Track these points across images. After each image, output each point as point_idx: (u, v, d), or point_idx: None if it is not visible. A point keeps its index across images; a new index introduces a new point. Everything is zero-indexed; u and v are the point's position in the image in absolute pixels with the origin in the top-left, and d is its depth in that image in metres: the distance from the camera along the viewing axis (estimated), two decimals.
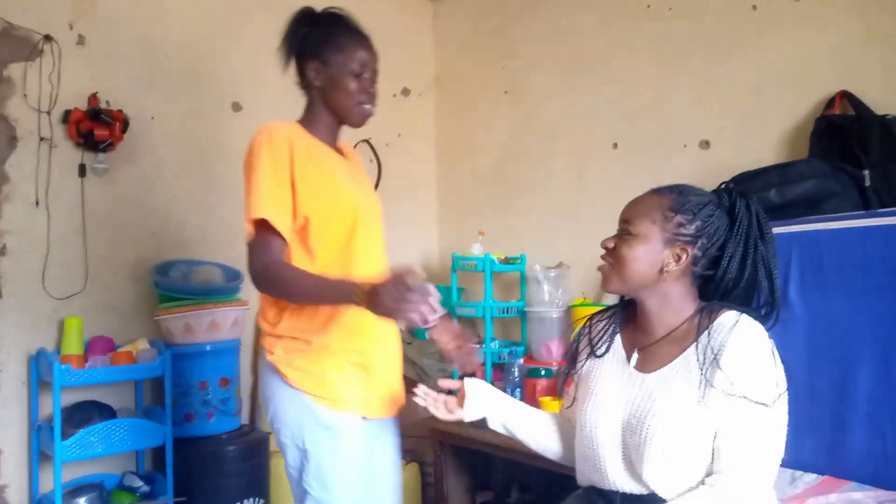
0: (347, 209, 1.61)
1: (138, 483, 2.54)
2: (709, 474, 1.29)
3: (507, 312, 3.03)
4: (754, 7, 2.48)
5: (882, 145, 2.07)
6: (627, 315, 1.50)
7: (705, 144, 2.64)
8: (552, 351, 2.84)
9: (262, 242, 1.55)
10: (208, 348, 2.65)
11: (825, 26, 2.30)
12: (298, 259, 1.58)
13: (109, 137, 2.61)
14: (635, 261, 1.36)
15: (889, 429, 1.87)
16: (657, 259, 1.35)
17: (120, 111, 2.67)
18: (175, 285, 2.67)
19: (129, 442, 2.41)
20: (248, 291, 2.91)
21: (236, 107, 3.11)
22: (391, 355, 1.72)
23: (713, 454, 1.28)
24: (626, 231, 1.38)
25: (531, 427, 1.59)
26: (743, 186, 2.17)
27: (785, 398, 1.27)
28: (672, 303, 1.38)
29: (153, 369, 2.49)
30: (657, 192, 1.41)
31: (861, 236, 1.93)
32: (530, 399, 2.53)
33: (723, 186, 1.43)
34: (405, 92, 3.69)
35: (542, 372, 2.63)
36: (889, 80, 2.15)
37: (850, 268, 1.93)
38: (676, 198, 1.37)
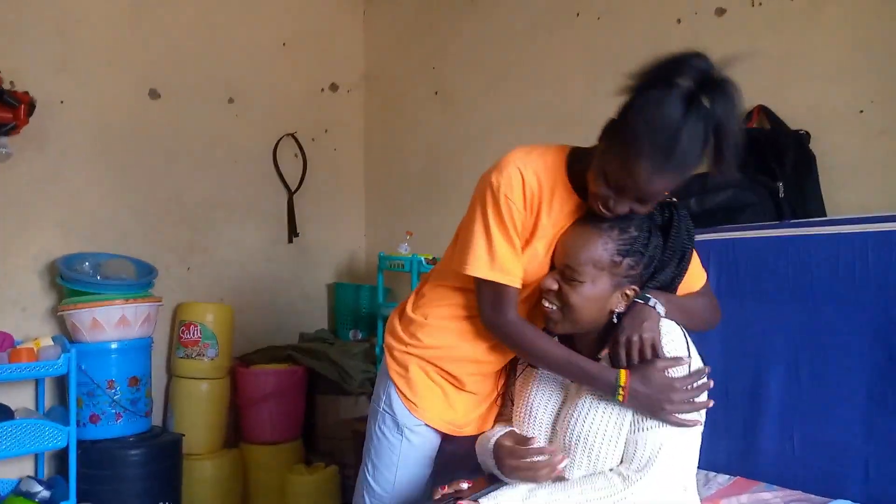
0: (533, 271, 1.47)
1: (37, 488, 2.38)
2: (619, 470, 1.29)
3: None
4: (679, 21, 2.55)
5: (795, 158, 2.15)
6: None
7: None
8: None
9: (497, 293, 1.42)
10: (117, 346, 2.52)
11: (745, 42, 2.38)
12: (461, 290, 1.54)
13: (13, 120, 2.45)
14: (586, 307, 1.32)
15: (797, 432, 1.94)
16: (606, 303, 1.32)
17: (26, 93, 2.51)
18: (82, 279, 2.53)
19: (28, 444, 2.26)
20: (161, 288, 2.79)
21: (154, 94, 2.97)
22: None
23: (626, 448, 1.29)
24: (569, 275, 1.32)
25: None
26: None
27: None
28: (604, 323, 1.37)
29: (56, 367, 2.35)
30: (595, 226, 1.32)
31: (774, 246, 2.00)
32: None
33: (654, 217, 1.36)
34: (333, 87, 3.62)
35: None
36: (803, 96, 2.25)
37: (764, 276, 2.00)
38: (619, 236, 1.30)
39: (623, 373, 1.27)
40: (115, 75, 2.85)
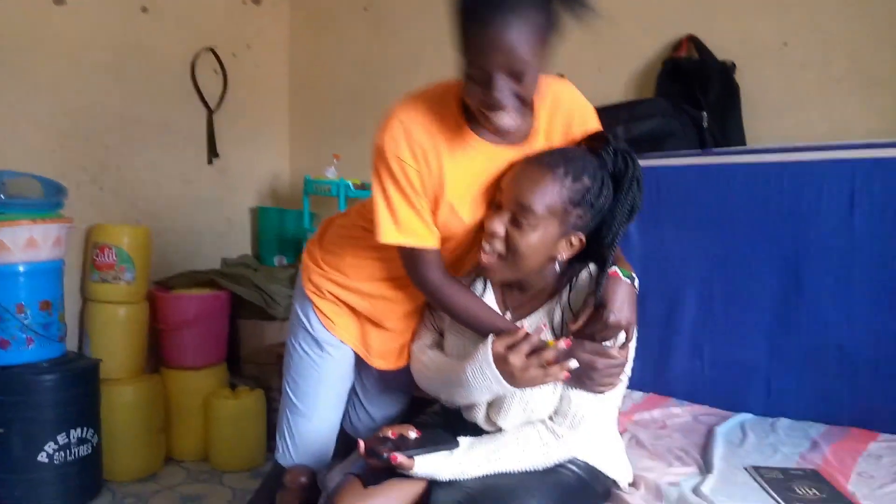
0: (449, 232, 1.42)
1: None
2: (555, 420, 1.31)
3: None
4: None
5: (721, 89, 2.20)
6: None
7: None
8: None
9: (413, 254, 1.38)
10: (25, 269, 2.39)
11: None
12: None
13: None
14: (531, 254, 1.27)
15: (707, 352, 2.05)
16: (551, 249, 1.29)
17: None
18: None
19: None
20: (72, 209, 2.65)
21: (58, 0, 2.74)
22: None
23: (560, 402, 1.30)
24: (521, 217, 1.25)
25: None
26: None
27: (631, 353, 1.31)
28: (543, 271, 1.34)
29: None
30: (551, 169, 1.25)
31: (695, 174, 2.06)
32: None
33: (611, 149, 1.29)
34: (256, 0, 3.44)
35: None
36: (732, 27, 2.27)
37: (685, 203, 2.06)
38: (572, 185, 1.24)
39: (551, 342, 1.25)
40: None
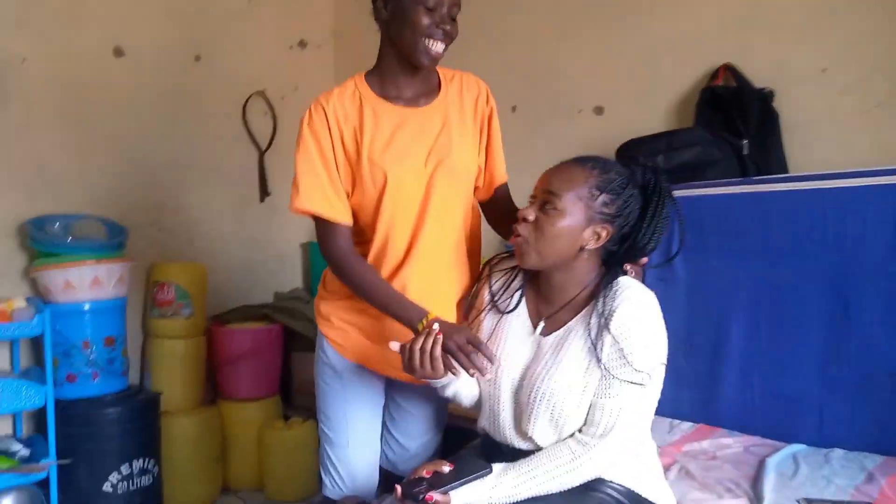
0: (370, 181, 1.51)
1: (17, 447, 2.40)
2: (583, 430, 1.33)
3: None
4: None
5: (760, 117, 2.20)
6: (529, 274, 1.47)
7: (599, 110, 2.72)
8: None
9: (322, 228, 1.54)
10: (91, 306, 2.52)
11: (712, 1, 2.41)
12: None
13: None
14: (557, 237, 1.32)
15: (756, 381, 2.04)
16: (578, 237, 1.33)
17: None
18: (53, 240, 2.51)
19: (6, 404, 2.26)
20: (134, 249, 2.79)
21: (118, 52, 2.91)
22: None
23: (589, 411, 1.32)
24: (549, 203, 1.33)
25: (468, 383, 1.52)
26: (634, 152, 2.29)
27: (662, 371, 1.33)
28: (578, 276, 1.38)
29: (31, 328, 2.34)
30: (581, 163, 1.36)
31: (738, 202, 2.06)
32: None
33: (640, 165, 1.40)
34: (302, 44, 3.58)
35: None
36: (768, 55, 2.28)
37: (728, 232, 2.07)
38: (601, 174, 1.34)
39: (429, 316, 1.39)
40: (78, 32, 2.77)
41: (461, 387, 1.47)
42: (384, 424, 1.74)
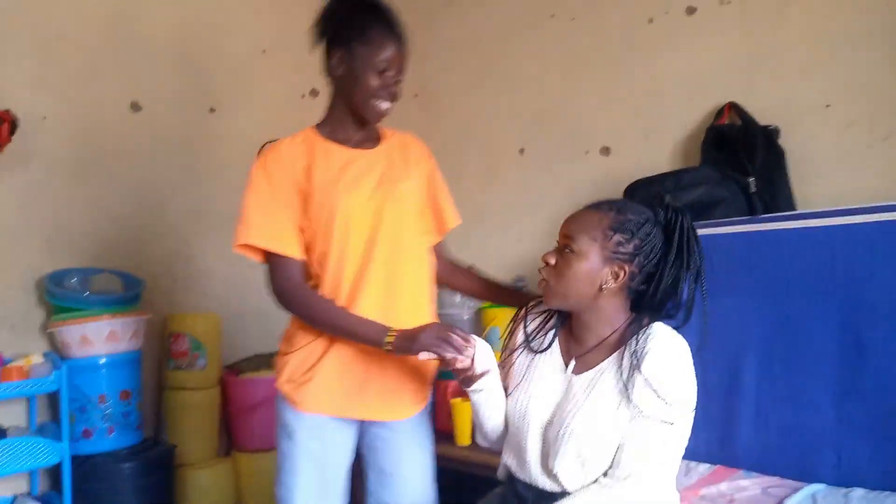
0: (321, 211, 1.58)
1: None
2: (609, 472, 1.34)
3: None
4: (650, 20, 2.59)
5: (766, 154, 2.21)
6: (563, 316, 1.53)
7: (606, 151, 2.74)
8: None
9: (272, 265, 1.61)
10: (107, 360, 2.54)
11: (715, 40, 2.44)
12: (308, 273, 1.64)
13: None
14: (575, 278, 1.38)
15: (773, 420, 2.00)
16: (596, 277, 1.38)
17: (7, 111, 2.51)
18: (70, 295, 2.55)
19: (22, 462, 2.28)
20: (149, 301, 2.82)
21: (136, 107, 2.99)
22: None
23: (617, 453, 1.33)
24: (567, 247, 1.40)
25: (497, 405, 1.52)
26: (641, 192, 2.30)
27: (690, 417, 1.34)
28: (606, 316, 1.42)
29: (48, 384, 2.37)
30: (597, 207, 1.43)
31: (746, 241, 2.05)
32: (442, 401, 2.56)
33: (660, 201, 1.45)
34: (314, 93, 3.65)
35: (453, 374, 2.66)
36: (772, 92, 2.30)
37: (737, 270, 2.05)
38: (615, 216, 1.39)
39: (392, 330, 1.47)
40: (96, 90, 2.86)
41: (496, 409, 1.50)
42: (365, 487, 1.71)
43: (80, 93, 2.81)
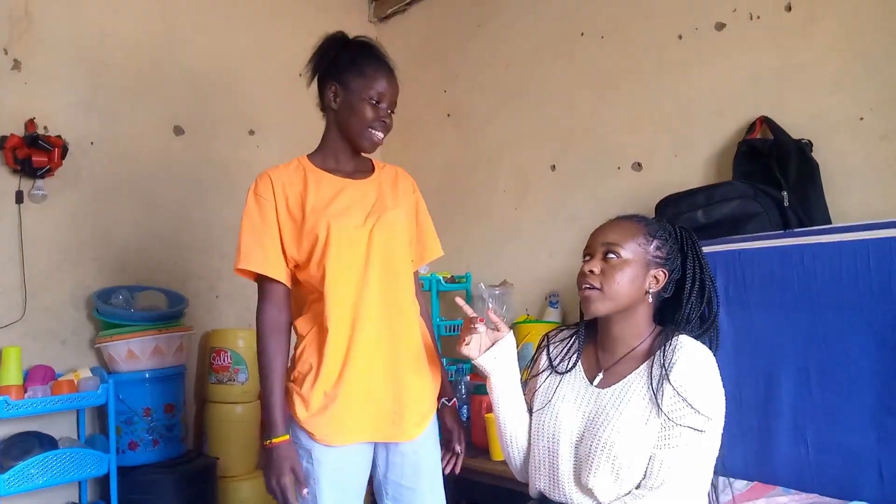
0: (313, 236, 1.62)
1: None
2: (641, 483, 1.36)
3: (454, 331, 3.08)
4: (680, 37, 2.61)
5: (799, 168, 2.20)
6: (588, 335, 1.57)
7: (637, 167, 2.75)
8: None
9: (260, 290, 1.67)
10: (152, 375, 2.63)
11: (745, 56, 2.44)
12: (295, 294, 1.70)
13: (48, 164, 2.58)
14: (627, 283, 1.42)
15: (810, 435, 1.98)
16: (642, 282, 1.43)
17: (58, 137, 2.64)
18: (117, 312, 2.64)
19: (72, 473, 2.37)
20: (192, 317, 2.91)
21: (178, 130, 3.10)
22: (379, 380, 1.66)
23: (649, 463, 1.35)
24: (611, 253, 1.44)
25: (516, 410, 1.56)
26: (673, 207, 2.31)
27: (720, 426, 1.36)
28: (637, 325, 1.46)
29: (96, 398, 2.46)
30: (627, 218, 1.50)
31: (779, 255, 2.04)
32: (477, 416, 2.58)
33: (668, 225, 1.52)
34: None
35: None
36: (803, 106, 2.29)
37: (771, 285, 2.05)
38: (647, 224, 1.47)
39: (275, 440, 1.57)
40: (141, 115, 2.98)
41: (516, 423, 1.55)
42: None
43: (125, 118, 2.93)
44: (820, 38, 2.27)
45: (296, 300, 1.71)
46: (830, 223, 2.14)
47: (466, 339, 1.54)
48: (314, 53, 1.75)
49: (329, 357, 1.61)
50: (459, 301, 1.63)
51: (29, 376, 2.45)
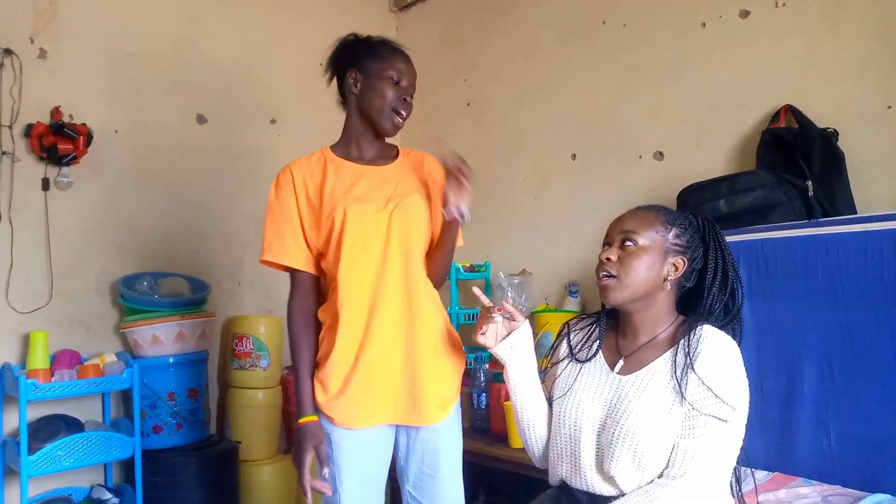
0: (330, 222, 1.64)
1: (107, 496, 2.54)
2: (664, 472, 1.36)
3: (473, 319, 3.09)
4: (703, 24, 2.59)
5: (824, 157, 2.17)
6: (609, 323, 1.57)
7: (659, 156, 2.74)
8: None
9: (291, 280, 1.72)
10: (174, 360, 2.67)
11: (770, 44, 2.41)
12: (322, 284, 1.75)
13: (73, 151, 2.61)
14: (644, 270, 1.42)
15: (832, 427, 1.97)
16: (660, 270, 1.43)
17: (83, 125, 2.67)
18: (141, 298, 2.68)
19: (97, 455, 2.41)
20: (215, 303, 2.94)
21: (201, 119, 3.13)
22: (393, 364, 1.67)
23: (672, 452, 1.35)
24: (630, 241, 1.44)
25: (534, 398, 1.57)
26: (695, 197, 2.29)
27: (744, 415, 1.36)
28: (658, 314, 1.46)
29: (121, 382, 2.50)
30: (646, 208, 1.50)
31: (803, 245, 2.03)
32: (496, 404, 2.59)
33: (690, 214, 1.52)
34: None
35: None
36: (829, 95, 2.27)
37: (794, 275, 2.03)
38: (666, 213, 1.47)
39: (306, 418, 1.61)
40: (164, 103, 3.01)
41: (535, 413, 1.56)
42: (407, 493, 1.75)
43: (148, 106, 2.96)
44: (846, 26, 2.24)
45: (323, 289, 1.74)
46: (855, 213, 2.12)
47: (483, 327, 1.55)
48: (331, 55, 1.78)
49: (344, 341, 1.63)
50: (476, 291, 1.64)
51: (56, 360, 2.50)
